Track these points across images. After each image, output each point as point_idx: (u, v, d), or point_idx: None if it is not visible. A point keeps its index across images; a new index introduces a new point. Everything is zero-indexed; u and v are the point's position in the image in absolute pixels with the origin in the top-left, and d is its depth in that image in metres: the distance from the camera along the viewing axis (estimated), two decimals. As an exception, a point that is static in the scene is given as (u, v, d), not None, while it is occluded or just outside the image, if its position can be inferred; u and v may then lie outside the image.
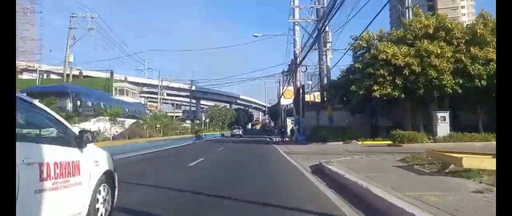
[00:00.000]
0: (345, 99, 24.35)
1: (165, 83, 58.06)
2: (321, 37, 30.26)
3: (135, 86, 52.96)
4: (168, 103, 75.09)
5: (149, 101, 67.18)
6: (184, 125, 37.88)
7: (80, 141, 3.48)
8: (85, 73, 48.36)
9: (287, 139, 32.21)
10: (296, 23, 32.16)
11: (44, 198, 2.76)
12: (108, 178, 3.92)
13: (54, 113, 3.47)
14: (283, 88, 45.79)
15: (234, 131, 55.38)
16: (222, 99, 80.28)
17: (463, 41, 20.01)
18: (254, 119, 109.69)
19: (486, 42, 19.51)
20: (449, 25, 20.71)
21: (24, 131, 3.02)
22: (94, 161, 3.67)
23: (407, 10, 26.95)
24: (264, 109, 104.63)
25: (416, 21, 21.38)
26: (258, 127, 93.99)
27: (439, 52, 19.15)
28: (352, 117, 26.38)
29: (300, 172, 8.81)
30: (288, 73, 38.79)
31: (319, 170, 8.53)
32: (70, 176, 3.17)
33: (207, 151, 18.83)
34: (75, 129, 3.73)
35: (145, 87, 61.99)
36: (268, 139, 36.77)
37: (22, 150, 2.48)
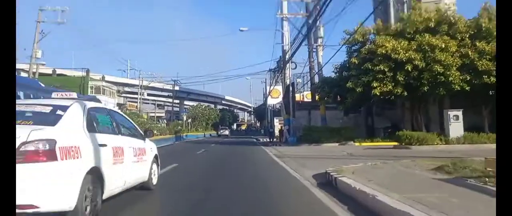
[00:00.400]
0: (339, 97, 22.59)
1: (146, 83, 55.10)
2: (311, 33, 28.38)
3: (113, 85, 50.03)
4: (148, 103, 72.09)
5: (129, 101, 64.16)
6: (159, 125, 35.34)
7: (144, 135, 6.05)
8: (59, 71, 45.40)
9: (275, 140, 30.32)
10: (284, 18, 30.11)
11: (135, 166, 5.19)
12: (156, 159, 6.42)
13: (130, 119, 6.15)
14: (270, 87, 43.71)
15: (221, 131, 58.24)
16: (207, 99, 77.61)
17: (467, 36, 18.53)
18: (240, 119, 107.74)
19: (492, 36, 18.00)
20: (451, 19, 19.25)
21: (123, 130, 5.16)
22: (150, 148, 6.12)
23: (393, 4, 25.65)
24: (249, 109, 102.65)
25: (415, 15, 19.85)
26: (243, 127, 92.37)
27: (443, 46, 17.62)
28: (346, 117, 24.53)
29: (303, 186, 6.51)
30: (276, 70, 36.65)
31: (328, 183, 6.34)
32: (142, 156, 5.61)
33: (185, 154, 16.55)
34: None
35: (126, 87, 58.93)
36: (254, 140, 34.53)
37: (127, 141, 5.00)
